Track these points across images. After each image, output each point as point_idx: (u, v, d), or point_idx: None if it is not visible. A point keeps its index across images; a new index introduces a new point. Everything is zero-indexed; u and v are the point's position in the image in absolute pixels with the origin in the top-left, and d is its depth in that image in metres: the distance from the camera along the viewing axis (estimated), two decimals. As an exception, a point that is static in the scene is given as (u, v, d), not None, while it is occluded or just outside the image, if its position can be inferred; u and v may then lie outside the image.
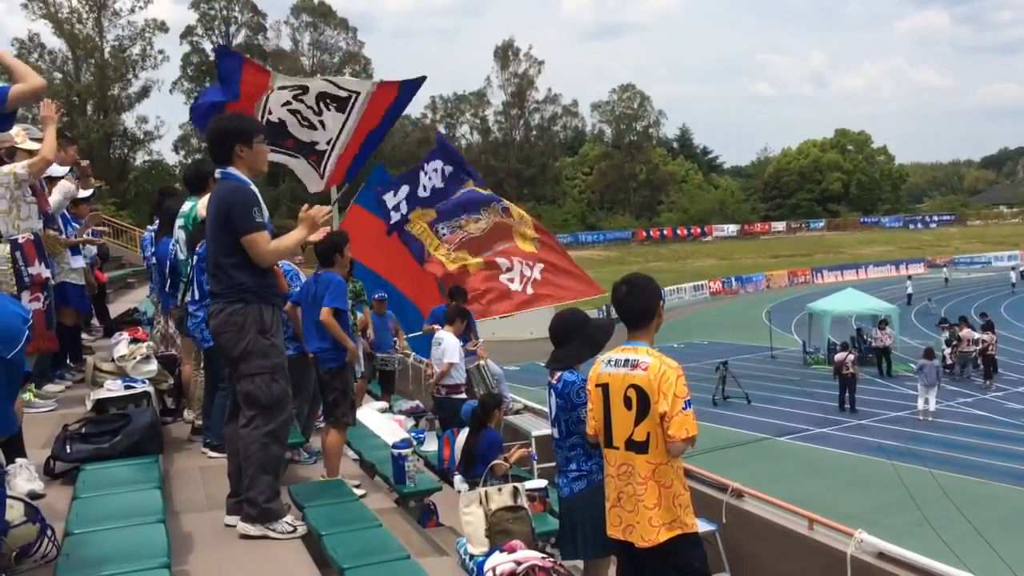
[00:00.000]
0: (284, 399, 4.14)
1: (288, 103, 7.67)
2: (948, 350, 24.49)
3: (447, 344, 8.69)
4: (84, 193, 7.34)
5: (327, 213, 4.30)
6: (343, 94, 7.84)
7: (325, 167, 8.16)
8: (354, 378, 6.04)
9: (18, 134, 5.93)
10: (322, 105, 7.80)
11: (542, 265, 9.86)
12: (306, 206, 4.28)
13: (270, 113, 7.60)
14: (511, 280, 9.69)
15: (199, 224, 5.42)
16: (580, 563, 4.62)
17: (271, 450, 4.07)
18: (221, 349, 4.19)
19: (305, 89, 7.72)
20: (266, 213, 4.12)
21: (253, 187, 4.12)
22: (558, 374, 4.43)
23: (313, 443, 6.30)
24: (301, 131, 7.80)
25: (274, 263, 4.16)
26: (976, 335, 24.04)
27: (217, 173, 4.16)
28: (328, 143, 8.03)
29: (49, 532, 3.27)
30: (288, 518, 4.12)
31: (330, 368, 5.62)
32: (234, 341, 4.03)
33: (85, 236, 7.43)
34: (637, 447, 3.70)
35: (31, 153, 5.63)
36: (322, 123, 7.86)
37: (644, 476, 3.67)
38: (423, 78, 8.32)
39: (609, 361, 3.88)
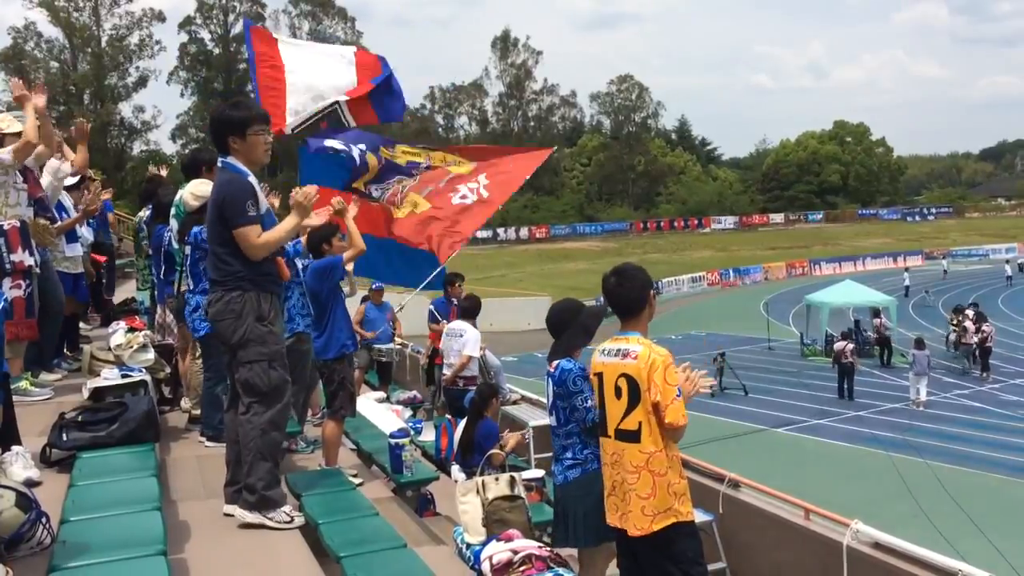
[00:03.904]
0: (282, 386, 4.13)
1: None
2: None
3: (469, 337, 8.57)
4: (71, 180, 7.25)
5: (314, 195, 4.25)
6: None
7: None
8: (352, 368, 6.03)
9: (4, 119, 5.91)
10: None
11: (484, 171, 9.25)
12: (295, 190, 4.27)
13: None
14: (464, 198, 9.05)
15: (190, 214, 5.41)
16: (574, 552, 4.62)
17: (270, 437, 4.07)
18: (220, 336, 4.19)
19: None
20: (264, 205, 4.08)
21: (251, 178, 4.05)
22: (556, 362, 4.44)
23: (309, 432, 6.31)
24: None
25: (264, 256, 4.07)
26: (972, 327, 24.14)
27: (219, 162, 4.12)
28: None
29: (44, 520, 3.26)
30: (286, 508, 4.11)
31: (326, 360, 5.62)
32: (232, 328, 4.03)
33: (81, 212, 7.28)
34: (627, 436, 3.70)
35: (19, 137, 5.59)
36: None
37: (636, 465, 3.67)
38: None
39: (604, 351, 3.90)
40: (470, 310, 8.93)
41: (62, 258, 6.80)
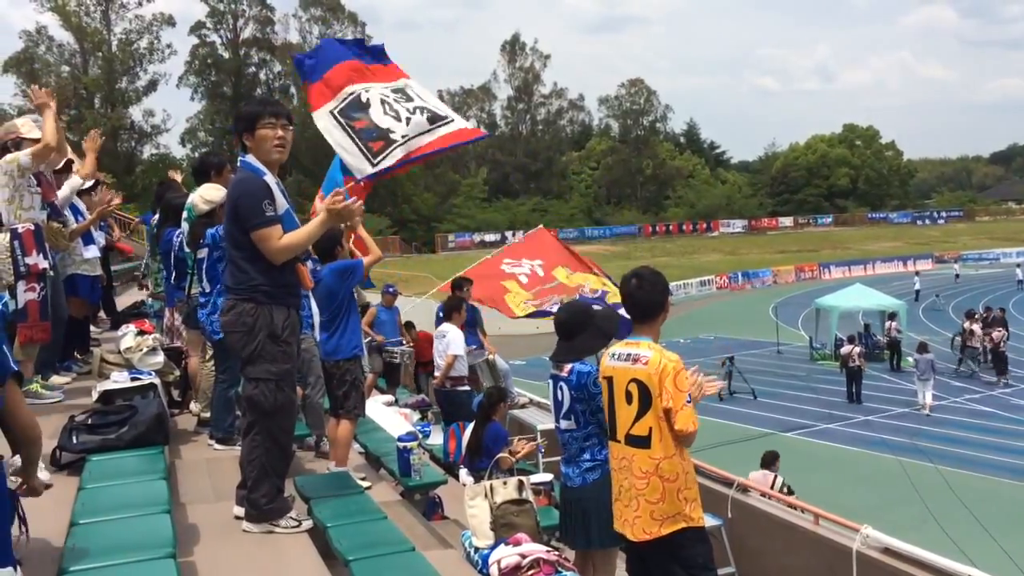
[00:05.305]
0: (288, 406, 4.01)
1: (386, 96, 7.00)
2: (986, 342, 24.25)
3: (451, 337, 8.70)
4: (87, 184, 7.31)
5: (350, 205, 3.91)
6: (441, 112, 7.14)
7: (384, 157, 6.64)
8: (363, 372, 6.04)
9: (24, 123, 5.95)
10: (418, 109, 7.14)
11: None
12: (319, 195, 4.11)
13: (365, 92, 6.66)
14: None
15: (200, 217, 5.42)
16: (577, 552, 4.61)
17: (273, 455, 3.98)
18: (230, 347, 4.09)
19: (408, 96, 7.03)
20: (282, 205, 3.88)
21: (267, 177, 3.88)
22: (569, 366, 4.43)
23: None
24: (383, 118, 6.64)
25: (288, 258, 3.88)
26: (978, 329, 24.07)
27: (238, 160, 4.01)
28: (403, 137, 7.14)
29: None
30: (293, 513, 4.06)
31: (337, 361, 5.63)
32: (243, 342, 3.88)
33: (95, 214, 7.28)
34: (637, 442, 3.69)
35: (37, 142, 5.63)
36: (408, 120, 7.13)
37: (645, 471, 3.66)
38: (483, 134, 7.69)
39: (614, 355, 3.89)
40: (448, 310, 9.03)
41: (81, 260, 6.83)
